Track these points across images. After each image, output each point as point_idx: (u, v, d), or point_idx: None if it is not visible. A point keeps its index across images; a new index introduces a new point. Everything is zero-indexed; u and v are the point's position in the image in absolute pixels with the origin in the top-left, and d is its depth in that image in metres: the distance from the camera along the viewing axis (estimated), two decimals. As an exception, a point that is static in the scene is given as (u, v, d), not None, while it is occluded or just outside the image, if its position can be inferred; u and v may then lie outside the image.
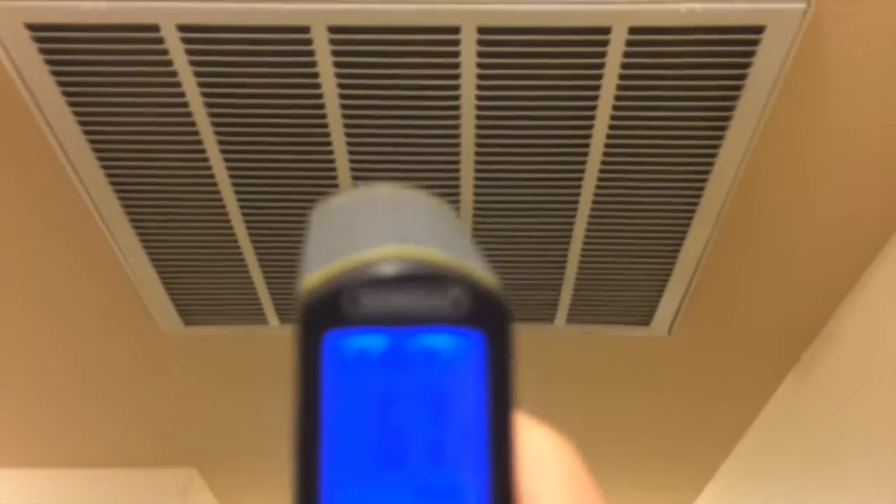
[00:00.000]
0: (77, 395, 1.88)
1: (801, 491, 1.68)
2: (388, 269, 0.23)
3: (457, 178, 1.17)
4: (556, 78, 1.01)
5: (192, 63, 1.00)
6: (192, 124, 1.08)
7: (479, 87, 1.02)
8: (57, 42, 0.98)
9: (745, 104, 1.03)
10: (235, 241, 1.30)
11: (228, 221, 1.27)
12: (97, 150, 1.13)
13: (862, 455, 1.43)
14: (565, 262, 1.34)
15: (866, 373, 1.44)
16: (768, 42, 0.95)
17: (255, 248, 1.32)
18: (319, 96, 1.04)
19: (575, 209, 1.23)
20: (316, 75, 1.01)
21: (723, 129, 1.08)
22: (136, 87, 1.03)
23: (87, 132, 1.10)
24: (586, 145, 1.11)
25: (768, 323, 1.59)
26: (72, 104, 1.05)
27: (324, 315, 0.23)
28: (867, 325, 1.44)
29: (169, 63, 1.00)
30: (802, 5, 0.91)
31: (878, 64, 1.05)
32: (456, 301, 0.24)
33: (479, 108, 1.05)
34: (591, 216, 1.25)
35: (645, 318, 1.51)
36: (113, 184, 1.19)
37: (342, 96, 1.04)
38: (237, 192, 1.21)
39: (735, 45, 0.96)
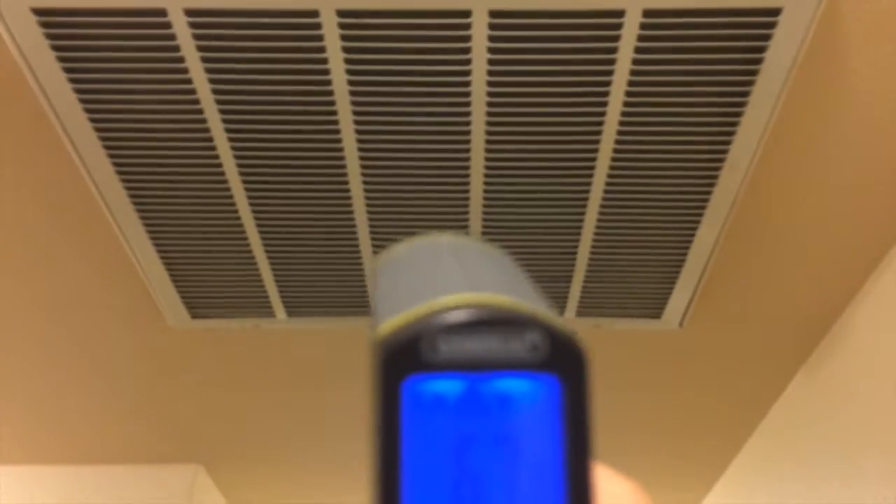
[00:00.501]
0: (82, 391, 1.87)
1: (813, 487, 1.66)
2: (466, 316, 0.24)
3: (467, 167, 1.16)
4: (568, 63, 1.00)
5: (200, 48, 0.98)
6: (200, 112, 1.07)
7: (490, 73, 1.01)
8: (63, 27, 0.97)
9: (760, 89, 1.02)
10: (243, 232, 1.29)
11: (236, 213, 1.25)
12: (104, 139, 1.12)
13: (874, 451, 1.42)
14: (576, 253, 1.33)
15: (879, 368, 1.42)
16: (785, 24, 0.94)
17: (263, 240, 1.31)
18: (328, 82, 1.02)
19: (586, 199, 1.22)
20: (325, 60, 1.00)
21: (738, 115, 1.06)
22: (143, 72, 1.02)
23: (93, 120, 1.09)
24: (598, 133, 1.10)
25: (780, 317, 1.58)
26: (78, 91, 1.04)
27: (403, 360, 0.24)
28: (879, 320, 1.42)
29: (176, 49, 0.98)
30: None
31: (896, 49, 1.04)
32: (533, 346, 0.24)
33: (490, 94, 1.04)
34: (603, 207, 1.23)
35: (656, 312, 1.50)
36: (120, 174, 1.18)
37: (351, 82, 1.02)
38: (245, 183, 1.20)
39: (751, 27, 0.95)
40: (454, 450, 0.24)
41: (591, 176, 1.17)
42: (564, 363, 0.24)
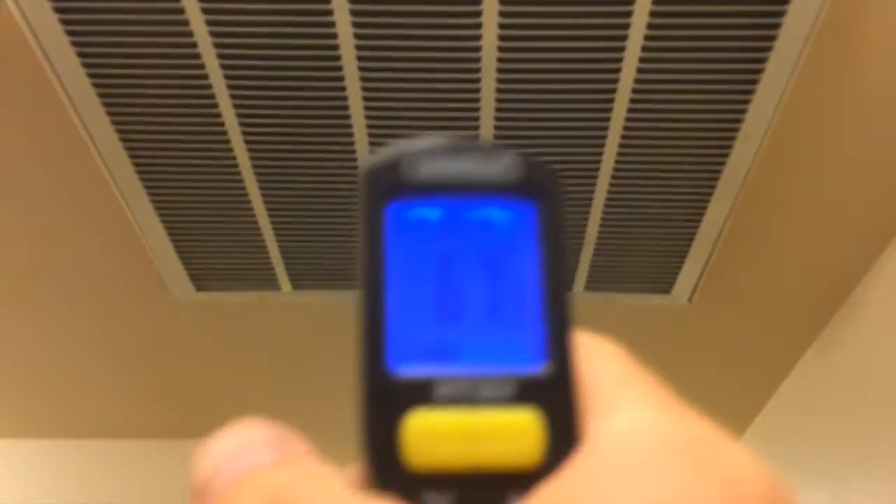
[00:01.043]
0: (84, 364, 1.86)
1: (824, 463, 1.65)
2: (445, 141, 0.25)
3: (476, 137, 1.14)
4: (580, 28, 0.98)
5: (209, 23, 0.97)
6: (209, 87, 1.05)
7: (501, 38, 0.99)
8: (75, 9, 0.95)
9: (777, 57, 1.00)
10: (249, 204, 1.28)
11: (242, 185, 1.24)
12: (112, 114, 1.11)
13: (885, 428, 1.41)
14: (585, 226, 1.31)
15: (889, 347, 1.41)
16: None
17: (269, 211, 1.30)
18: (336, 47, 1.00)
19: (597, 172, 1.20)
20: (332, 24, 0.98)
21: (753, 83, 1.04)
22: (153, 47, 1.00)
23: (101, 94, 1.08)
24: (610, 102, 1.08)
25: (790, 295, 1.56)
26: (87, 65, 1.03)
27: (386, 182, 0.25)
28: (891, 298, 1.41)
29: (185, 23, 0.97)
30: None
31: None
32: (508, 168, 0.25)
33: (501, 59, 1.02)
34: (613, 179, 1.22)
35: (666, 286, 1.48)
36: (127, 147, 1.17)
37: (359, 47, 1.01)
38: (251, 154, 1.18)
39: (765, 2, 0.93)
40: (436, 268, 0.25)
41: (601, 147, 1.16)
42: (539, 183, 0.25)
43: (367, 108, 1.10)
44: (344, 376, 1.92)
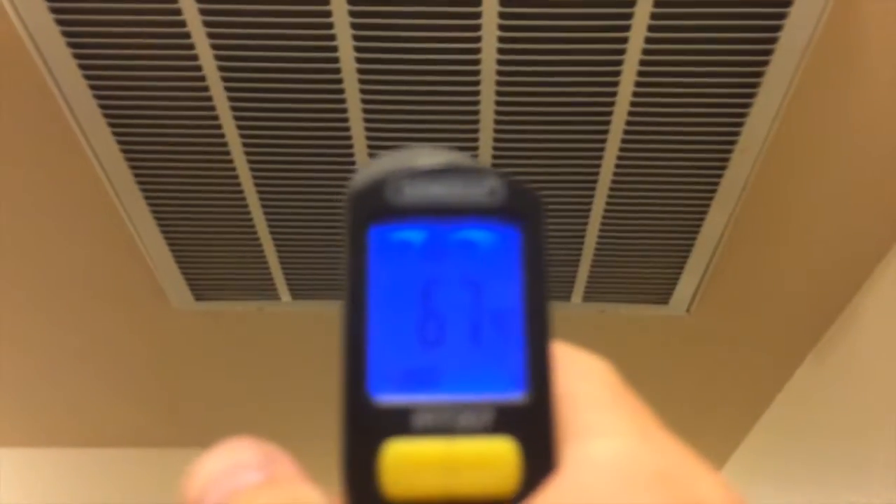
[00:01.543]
0: (84, 373, 1.86)
1: (820, 473, 1.65)
2: (429, 164, 0.26)
3: (475, 147, 1.14)
4: (579, 42, 0.98)
5: (206, 24, 0.97)
6: (206, 89, 1.06)
7: (500, 51, 1.00)
8: (76, 21, 0.96)
9: (774, 69, 1.00)
10: (248, 214, 1.28)
11: (242, 195, 1.24)
12: (109, 119, 1.11)
13: (882, 439, 1.41)
14: (583, 236, 1.32)
15: (887, 356, 1.41)
16: (801, 4, 0.92)
17: (268, 221, 1.30)
18: (336, 59, 1.01)
19: (595, 182, 1.21)
20: (333, 37, 0.98)
21: (751, 96, 1.05)
22: (150, 48, 1.01)
23: (102, 105, 1.08)
24: (609, 114, 1.08)
25: (788, 304, 1.56)
26: (83, 67, 1.03)
27: (371, 205, 0.25)
28: (889, 307, 1.41)
29: (187, 35, 0.97)
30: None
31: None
32: (492, 190, 0.25)
33: (500, 72, 1.02)
34: (612, 190, 1.22)
35: (663, 297, 1.48)
36: (126, 155, 1.17)
37: (359, 59, 1.01)
38: (250, 164, 1.18)
39: (766, 6, 0.93)
40: (419, 292, 0.25)
41: (600, 158, 1.16)
42: (522, 207, 0.25)
43: (366, 119, 1.10)
44: (343, 386, 1.92)
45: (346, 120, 1.10)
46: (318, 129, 1.12)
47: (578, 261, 1.37)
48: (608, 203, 1.25)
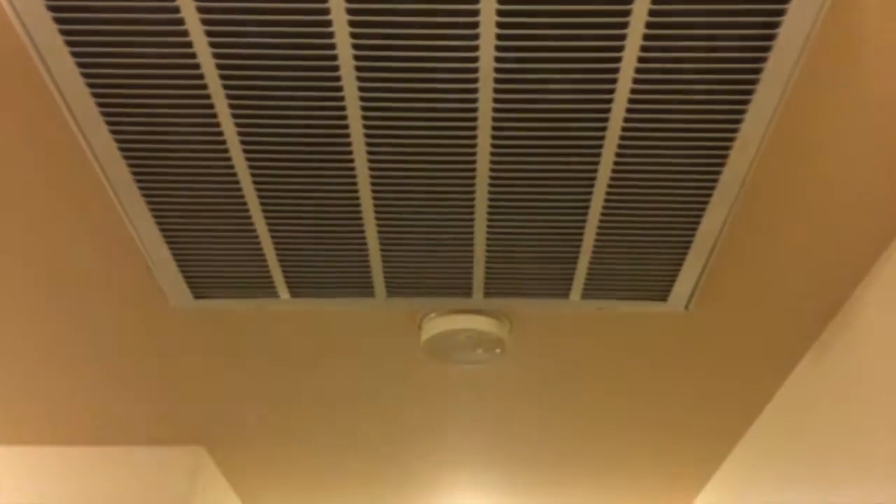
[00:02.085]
0: (83, 371, 1.86)
1: (819, 470, 1.65)
2: None
3: (473, 146, 1.14)
4: (577, 38, 0.98)
5: (204, 22, 0.97)
6: (204, 87, 1.06)
7: (498, 49, 0.99)
8: (75, 20, 0.96)
9: (773, 66, 1.00)
10: (247, 212, 1.28)
11: (241, 194, 1.24)
12: (107, 117, 1.11)
13: (880, 435, 1.41)
14: (582, 234, 1.32)
15: (885, 353, 1.41)
16: (798, 3, 0.92)
17: (267, 220, 1.30)
18: (334, 57, 1.01)
19: (593, 179, 1.21)
20: (331, 35, 0.98)
21: (749, 93, 1.05)
22: (147, 47, 1.00)
23: (100, 104, 1.08)
24: (607, 110, 1.08)
25: (787, 301, 1.57)
26: (80, 65, 1.03)
27: None
28: (887, 305, 1.41)
29: (181, 21, 0.97)
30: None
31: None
32: None
33: (498, 70, 1.02)
34: (610, 187, 1.22)
35: (662, 294, 1.49)
36: (124, 154, 1.17)
37: (357, 57, 1.01)
38: (250, 164, 1.18)
39: (765, 2, 0.93)
40: None
41: (598, 155, 1.16)
42: None
43: (364, 116, 1.10)
44: (341, 383, 1.92)
45: (344, 118, 1.10)
46: (316, 128, 1.12)
47: (577, 258, 1.37)
48: (607, 200, 1.25)
